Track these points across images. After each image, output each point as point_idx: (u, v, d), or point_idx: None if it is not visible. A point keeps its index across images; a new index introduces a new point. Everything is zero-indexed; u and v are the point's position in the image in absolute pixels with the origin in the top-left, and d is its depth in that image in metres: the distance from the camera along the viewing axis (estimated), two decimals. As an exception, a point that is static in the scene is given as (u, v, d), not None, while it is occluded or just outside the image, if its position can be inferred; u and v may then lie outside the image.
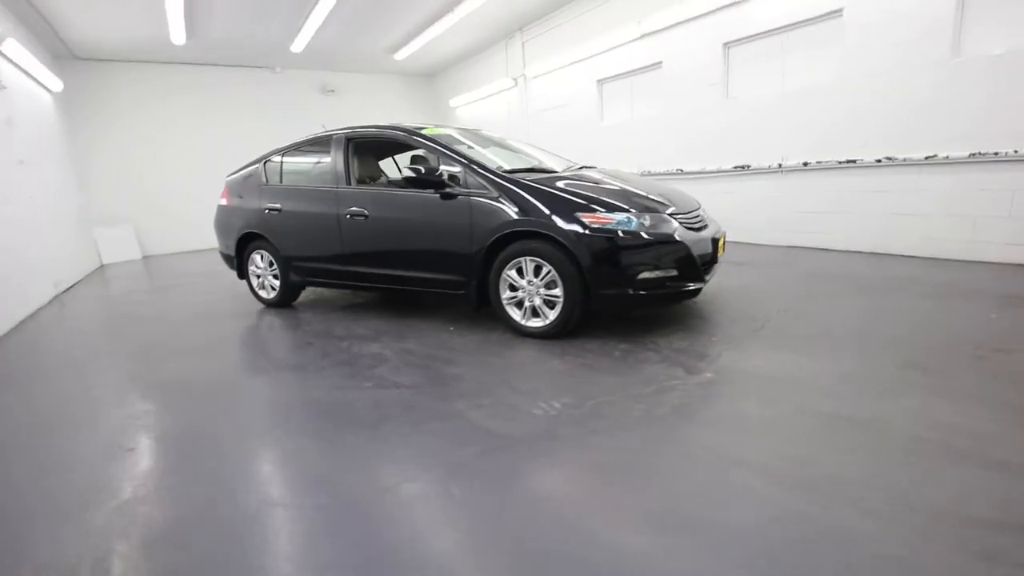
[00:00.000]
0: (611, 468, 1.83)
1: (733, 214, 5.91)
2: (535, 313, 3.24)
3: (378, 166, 4.72)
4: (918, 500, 1.53)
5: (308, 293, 5.08)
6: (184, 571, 1.47)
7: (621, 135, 7.57)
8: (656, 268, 2.97)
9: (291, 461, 2.05)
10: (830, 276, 4.34)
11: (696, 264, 3.08)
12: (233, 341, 3.78)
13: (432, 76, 12.34)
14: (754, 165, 5.86)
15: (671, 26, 6.46)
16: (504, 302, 3.31)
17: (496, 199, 3.24)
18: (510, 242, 3.22)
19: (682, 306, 3.68)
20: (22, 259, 5.14)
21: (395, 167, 5.17)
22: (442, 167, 3.57)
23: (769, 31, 5.54)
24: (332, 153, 4.07)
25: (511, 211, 3.17)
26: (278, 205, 4.32)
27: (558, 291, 3.09)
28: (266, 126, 10.59)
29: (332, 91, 11.22)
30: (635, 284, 2.96)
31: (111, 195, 9.54)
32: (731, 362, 2.67)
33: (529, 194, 3.17)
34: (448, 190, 3.41)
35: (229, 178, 4.91)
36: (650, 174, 6.98)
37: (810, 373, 2.48)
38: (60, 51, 8.39)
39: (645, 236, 2.95)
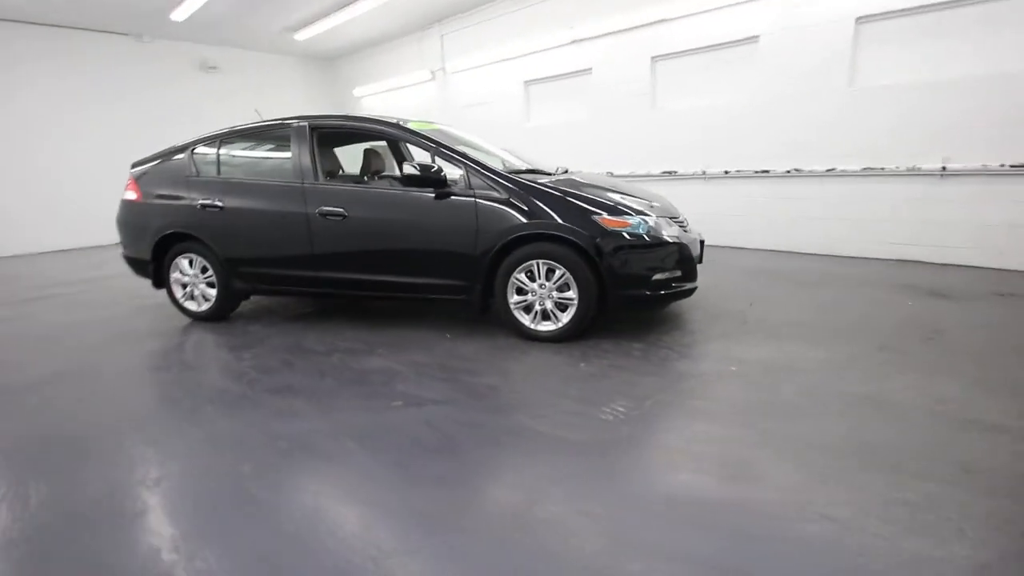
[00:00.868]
0: (727, 460, 1.88)
1: (663, 215, 6.40)
2: (545, 317, 3.20)
3: (336, 159, 4.27)
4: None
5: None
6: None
7: (548, 137, 7.74)
8: (665, 269, 3.11)
9: (430, 509, 1.78)
10: (765, 272, 4.91)
11: (695, 264, 3.29)
12: (174, 366, 3.15)
13: (333, 61, 11.45)
14: (680, 171, 6.41)
15: (602, 35, 6.76)
16: (512, 306, 3.22)
17: (506, 201, 3.12)
18: (518, 245, 3.13)
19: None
20: None
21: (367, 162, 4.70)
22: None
23: (694, 49, 6.08)
24: (293, 144, 3.58)
25: (522, 213, 3.09)
26: (218, 201, 3.69)
27: (571, 294, 3.08)
28: (129, 106, 8.98)
29: (213, 68, 9.84)
30: (650, 285, 3.07)
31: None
32: (743, 354, 2.90)
33: (540, 196, 3.11)
34: (450, 190, 3.21)
35: (138, 168, 4.08)
36: (581, 176, 7.25)
37: (815, 360, 2.79)
38: None
39: (656, 238, 3.07)
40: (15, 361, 3.30)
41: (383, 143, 4.83)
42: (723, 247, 6.21)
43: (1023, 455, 1.87)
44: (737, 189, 6.03)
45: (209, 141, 3.90)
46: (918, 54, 4.75)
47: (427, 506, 1.71)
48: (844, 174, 5.24)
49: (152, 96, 9.23)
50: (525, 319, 3.22)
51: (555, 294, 3.12)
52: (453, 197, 3.21)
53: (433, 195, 3.24)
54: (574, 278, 3.05)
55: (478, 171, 3.21)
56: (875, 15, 4.88)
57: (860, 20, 4.95)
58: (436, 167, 3.17)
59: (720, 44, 5.88)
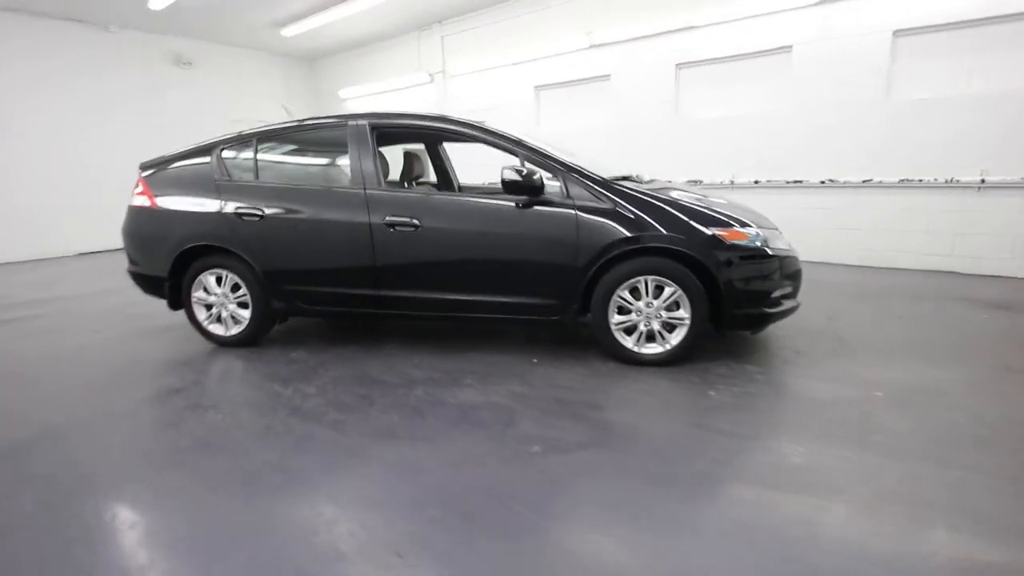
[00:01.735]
0: (962, 506, 1.63)
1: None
2: (650, 338, 2.90)
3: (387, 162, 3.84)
4: None
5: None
6: None
7: (560, 142, 7.49)
8: (780, 285, 2.89)
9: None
10: (811, 283, 4.81)
11: (800, 279, 3.10)
12: (221, 405, 2.64)
13: (317, 60, 10.81)
14: (706, 180, 6.30)
15: (622, 41, 6.60)
16: (613, 327, 2.90)
17: (611, 211, 2.81)
18: (620, 260, 2.83)
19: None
20: None
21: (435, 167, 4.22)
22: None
23: (723, 58, 6.01)
24: (352, 146, 3.13)
25: (629, 225, 2.79)
26: (257, 209, 3.19)
27: (683, 313, 2.81)
28: (88, 99, 8.06)
29: (188, 64, 9.04)
30: (768, 302, 2.84)
31: None
32: (873, 376, 2.70)
33: (648, 206, 2.82)
34: (547, 199, 2.87)
35: (150, 171, 3.50)
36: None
37: (950, 382, 2.62)
38: None
39: (772, 251, 2.85)
40: None
41: (421, 145, 4.44)
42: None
43: None
44: (768, 199, 5.96)
45: (241, 141, 3.39)
46: (956, 68, 4.82)
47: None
48: (881, 186, 5.26)
49: (115, 90, 8.34)
50: (628, 341, 2.91)
51: (664, 313, 2.84)
52: (548, 207, 2.88)
53: (521, 204, 2.89)
54: (688, 296, 2.78)
55: (580, 178, 2.89)
56: (913, 29, 4.93)
57: (898, 33, 4.99)
58: (537, 173, 2.83)
59: (750, 53, 5.82)
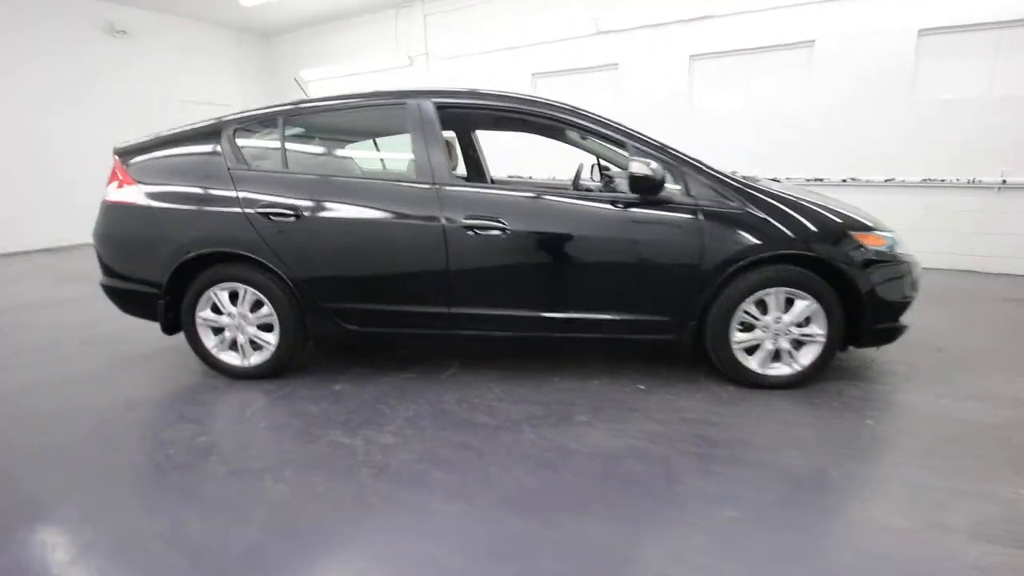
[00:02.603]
0: None
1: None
2: (775, 358, 2.54)
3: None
4: None
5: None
6: None
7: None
8: (913, 293, 2.62)
9: None
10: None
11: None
12: (279, 471, 2.00)
13: (272, 37, 9.70)
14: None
15: (633, 28, 6.25)
16: (734, 346, 2.52)
17: (740, 213, 2.41)
18: (748, 269, 2.44)
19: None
20: None
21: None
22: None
23: (741, 50, 5.80)
24: (413, 129, 2.53)
25: (761, 229, 2.41)
26: (291, 206, 2.52)
27: (816, 329, 2.46)
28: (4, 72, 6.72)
29: (123, 32, 7.75)
30: (901, 314, 2.55)
31: None
32: (1014, 392, 2.49)
33: (779, 208, 2.45)
34: (666, 198, 2.42)
35: (135, 160, 2.70)
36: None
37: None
38: None
39: (904, 256, 2.57)
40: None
41: (452, 133, 3.85)
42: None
43: None
44: (787, 197, 5.84)
45: (261, 121, 2.69)
46: (979, 70, 4.85)
47: None
48: (904, 185, 5.24)
49: (31, 60, 6.99)
50: (751, 362, 2.53)
51: (794, 330, 2.49)
52: (665, 208, 2.43)
53: (633, 204, 2.44)
54: (824, 310, 2.44)
55: (704, 175, 2.47)
56: (938, 28, 4.91)
57: (923, 32, 4.96)
58: (660, 169, 2.36)
59: (769, 46, 5.65)
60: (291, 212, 2.52)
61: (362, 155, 3.04)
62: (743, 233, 2.40)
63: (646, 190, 2.35)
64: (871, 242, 2.45)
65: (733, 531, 1.60)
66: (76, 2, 7.30)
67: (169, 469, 1.97)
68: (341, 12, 8.42)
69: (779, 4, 5.46)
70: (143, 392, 2.66)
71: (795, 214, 2.44)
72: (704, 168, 2.49)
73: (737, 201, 2.43)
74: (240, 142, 2.65)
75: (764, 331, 2.49)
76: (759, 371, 2.53)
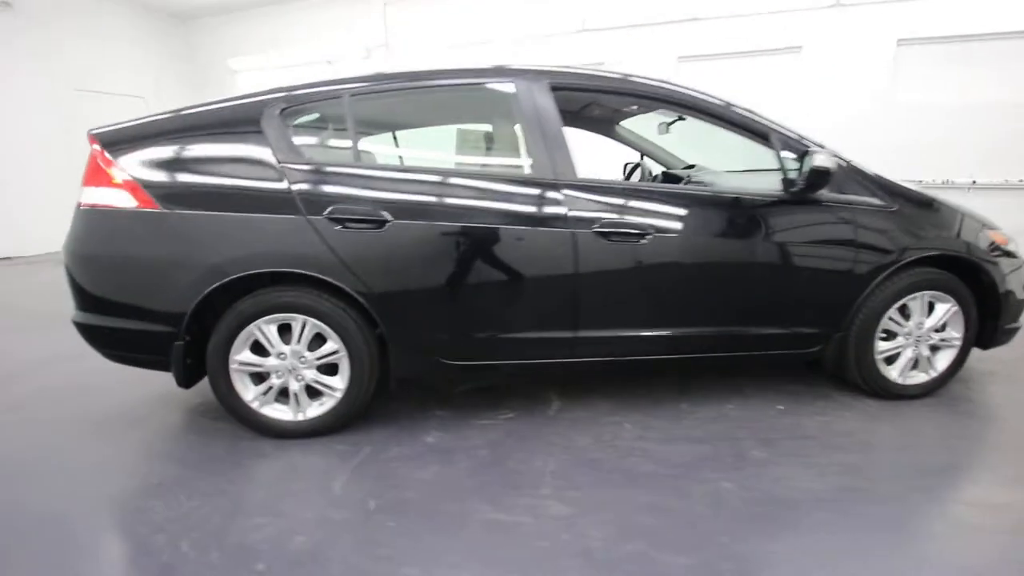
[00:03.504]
0: None
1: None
2: (913, 366, 2.37)
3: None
4: None
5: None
6: None
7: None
8: (1022, 294, 2.58)
9: None
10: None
11: None
12: None
13: (191, 21, 8.40)
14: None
15: (619, 27, 6.10)
16: (877, 357, 2.31)
17: (892, 212, 2.21)
18: (895, 273, 2.25)
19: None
20: None
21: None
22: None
23: (729, 53, 5.85)
24: (526, 114, 2.05)
25: (911, 228, 2.22)
26: (374, 209, 1.92)
27: (953, 332, 2.33)
28: None
29: (7, 5, 6.23)
30: (1021, 313, 2.50)
31: None
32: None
33: (925, 207, 2.29)
34: (817, 197, 2.15)
35: (135, 149, 1.94)
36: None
37: None
38: None
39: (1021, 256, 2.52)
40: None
41: (487, 126, 3.36)
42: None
43: None
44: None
45: (318, 100, 2.06)
46: (952, 78, 5.24)
47: None
48: (885, 185, 5.54)
49: None
50: (892, 372, 2.34)
51: (935, 335, 2.33)
52: (816, 207, 2.17)
53: (779, 202, 2.15)
54: (964, 313, 2.31)
55: (853, 169, 2.24)
56: (915, 39, 5.24)
57: (901, 42, 5.28)
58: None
59: (758, 51, 5.75)
60: (374, 218, 1.92)
61: (459, 140, 2.47)
62: (895, 233, 2.20)
63: (817, 186, 2.07)
64: (999, 241, 2.38)
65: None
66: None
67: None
68: (281, -6, 7.48)
69: (768, 9, 5.57)
70: (163, 470, 1.90)
71: (941, 213, 2.30)
72: (852, 164, 2.27)
73: (887, 199, 2.23)
74: (292, 120, 2.01)
75: (906, 338, 2.32)
76: (900, 381, 2.35)
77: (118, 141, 1.97)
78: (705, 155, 3.33)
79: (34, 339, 3.33)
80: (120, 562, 1.50)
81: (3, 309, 4.39)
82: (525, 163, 2.11)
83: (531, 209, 2.02)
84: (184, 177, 1.94)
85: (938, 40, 5.21)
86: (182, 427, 2.21)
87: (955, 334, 2.33)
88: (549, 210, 2.01)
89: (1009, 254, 2.36)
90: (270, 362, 2.00)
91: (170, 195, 1.90)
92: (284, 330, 1.98)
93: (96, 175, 1.94)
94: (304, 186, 1.93)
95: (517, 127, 2.07)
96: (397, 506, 1.68)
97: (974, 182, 5.28)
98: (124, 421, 2.26)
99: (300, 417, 2.06)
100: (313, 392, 2.06)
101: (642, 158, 3.57)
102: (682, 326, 2.17)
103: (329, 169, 1.97)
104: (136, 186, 1.89)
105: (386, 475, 1.84)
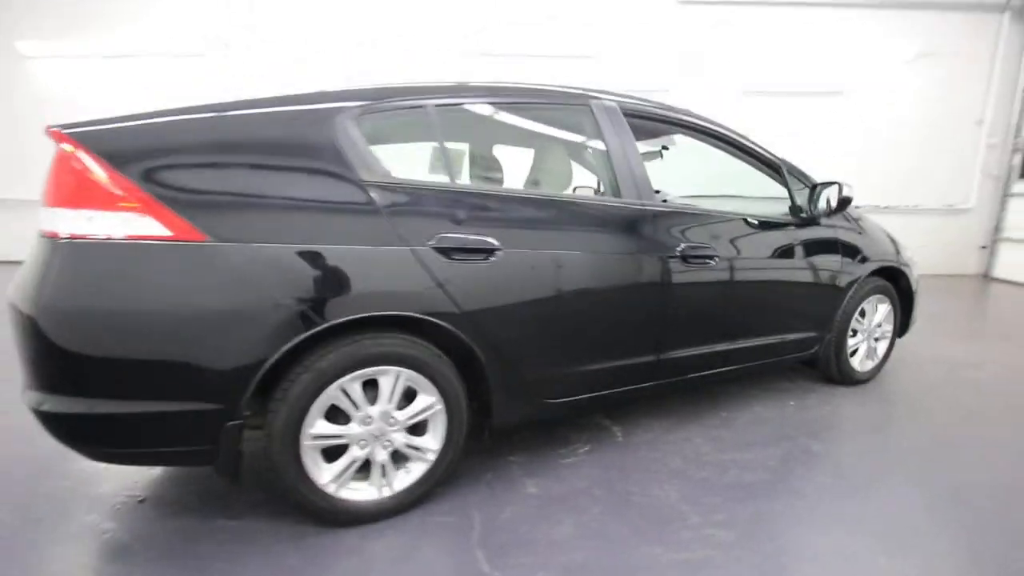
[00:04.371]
0: None
1: None
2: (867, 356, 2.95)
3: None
4: None
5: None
6: None
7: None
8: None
9: None
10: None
11: None
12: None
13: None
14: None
15: (509, 55, 6.30)
16: (848, 351, 2.81)
17: (858, 231, 2.75)
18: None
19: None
20: None
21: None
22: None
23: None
24: (609, 133, 2.02)
25: (868, 246, 2.77)
26: (482, 237, 1.68)
27: (888, 326, 2.97)
28: None
29: None
30: (912, 308, 3.28)
31: None
32: None
33: (871, 226, 2.88)
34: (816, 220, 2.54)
35: (150, 158, 1.38)
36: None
37: None
38: None
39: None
40: None
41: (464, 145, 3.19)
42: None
43: None
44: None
45: (399, 109, 1.72)
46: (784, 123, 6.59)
47: None
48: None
49: None
50: (855, 363, 2.86)
51: (878, 329, 2.93)
52: (815, 228, 2.57)
53: (793, 226, 2.51)
54: (894, 310, 2.97)
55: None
56: (756, 91, 6.51)
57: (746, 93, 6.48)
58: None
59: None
60: (483, 248, 1.68)
61: (542, 164, 2.23)
62: (862, 249, 2.73)
63: (841, 209, 2.46)
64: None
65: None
66: None
67: None
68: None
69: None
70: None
71: (878, 232, 2.91)
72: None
73: (853, 223, 2.75)
74: (371, 129, 1.64)
75: (863, 334, 2.88)
76: (859, 369, 2.91)
77: (124, 148, 1.38)
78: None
79: None
80: None
81: None
82: (607, 184, 2.08)
83: (624, 231, 1.99)
84: (237, 198, 1.44)
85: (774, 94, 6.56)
86: (203, 532, 1.60)
87: (889, 328, 2.98)
88: (640, 232, 2.01)
89: (910, 262, 3.11)
90: (353, 430, 1.59)
91: (220, 221, 1.39)
92: (365, 388, 1.60)
93: (86, 193, 1.32)
94: (397, 211, 1.60)
95: (603, 150, 2.03)
96: (571, 571, 1.48)
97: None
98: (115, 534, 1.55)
99: (386, 493, 1.67)
100: (406, 459, 1.70)
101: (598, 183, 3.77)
102: (735, 340, 2.36)
103: (425, 191, 1.67)
104: (166, 210, 1.34)
105: (526, 541, 1.60)
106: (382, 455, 1.65)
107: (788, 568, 1.51)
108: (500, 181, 2.16)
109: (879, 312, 2.91)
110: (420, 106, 1.75)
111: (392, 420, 1.64)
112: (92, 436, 1.38)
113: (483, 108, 1.95)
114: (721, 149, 2.51)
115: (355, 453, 1.60)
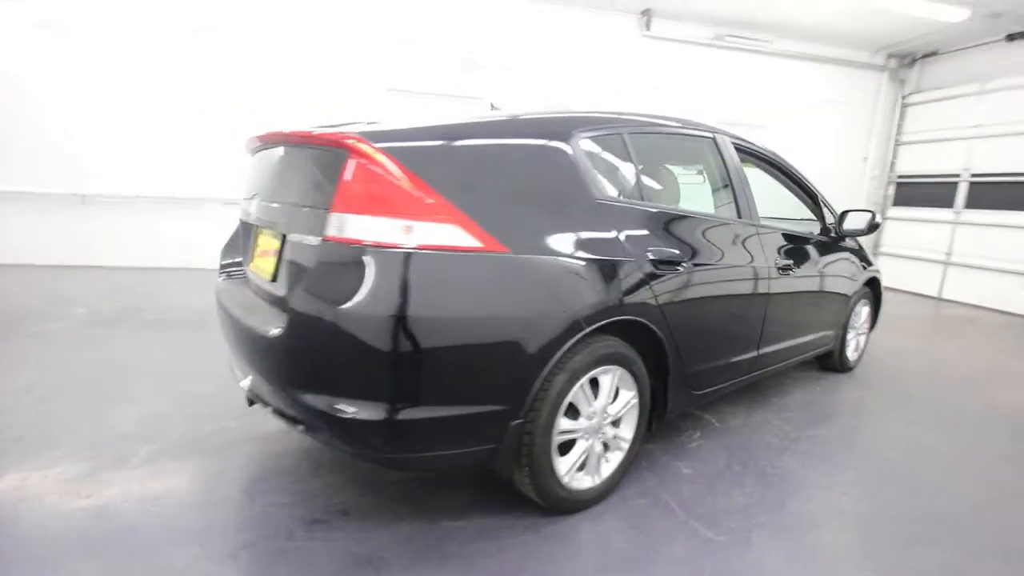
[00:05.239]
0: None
1: None
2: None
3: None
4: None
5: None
6: None
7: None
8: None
9: None
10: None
11: None
12: None
13: None
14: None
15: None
16: (848, 345, 3.49)
17: (858, 247, 3.42)
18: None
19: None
20: None
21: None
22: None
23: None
24: (729, 164, 2.40)
25: (863, 257, 3.46)
26: (676, 252, 1.95)
27: (867, 324, 3.71)
28: None
29: None
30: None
31: None
32: None
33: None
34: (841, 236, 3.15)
35: (449, 170, 1.49)
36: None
37: None
38: None
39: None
40: None
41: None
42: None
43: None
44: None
45: (607, 134, 1.92)
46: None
47: None
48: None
49: None
50: (849, 352, 3.54)
51: (861, 326, 3.66)
52: (838, 243, 3.19)
53: (832, 242, 3.12)
54: (872, 308, 3.72)
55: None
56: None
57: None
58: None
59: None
60: (676, 261, 1.95)
61: (690, 189, 2.45)
62: (864, 261, 3.43)
63: (872, 231, 3.04)
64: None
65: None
66: None
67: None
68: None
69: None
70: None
71: (860, 245, 3.63)
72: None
73: (855, 240, 3.42)
74: (591, 156, 1.82)
75: (853, 331, 3.58)
76: (851, 359, 3.60)
77: (417, 156, 1.43)
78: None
79: None
80: None
81: None
82: (729, 207, 2.44)
83: (751, 246, 2.38)
84: (516, 211, 1.55)
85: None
86: (436, 535, 1.64)
87: (867, 325, 3.73)
88: (760, 250, 2.42)
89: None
90: (582, 424, 1.76)
91: (513, 235, 1.50)
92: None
93: (397, 201, 1.36)
94: (622, 226, 1.80)
95: (726, 176, 2.39)
96: (783, 529, 1.79)
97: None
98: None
99: (597, 481, 1.86)
100: (610, 450, 1.90)
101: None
102: (796, 337, 2.86)
103: (638, 208, 1.89)
104: (474, 223, 1.42)
105: (721, 511, 1.89)
106: (598, 447, 1.83)
107: (903, 470, 1.97)
108: (676, 201, 2.44)
109: (864, 312, 3.64)
110: (618, 132, 1.97)
111: (607, 414, 1.83)
112: (420, 441, 1.41)
113: (661, 137, 2.24)
114: (777, 178, 3.00)
115: (583, 446, 1.77)
